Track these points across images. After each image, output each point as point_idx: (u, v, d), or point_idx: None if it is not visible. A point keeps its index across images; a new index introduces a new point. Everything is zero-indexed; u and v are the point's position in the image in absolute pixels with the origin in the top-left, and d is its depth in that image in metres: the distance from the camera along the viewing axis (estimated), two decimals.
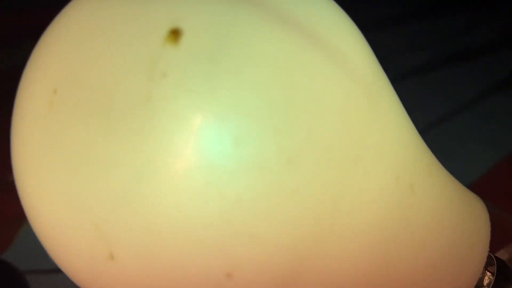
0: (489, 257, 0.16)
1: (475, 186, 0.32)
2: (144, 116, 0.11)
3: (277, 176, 0.11)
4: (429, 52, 0.45)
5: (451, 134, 0.37)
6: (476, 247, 0.16)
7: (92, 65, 0.11)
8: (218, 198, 0.11)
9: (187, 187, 0.11)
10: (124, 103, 0.11)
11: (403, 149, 0.13)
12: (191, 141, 0.10)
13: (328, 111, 0.11)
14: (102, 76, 0.11)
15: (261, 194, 0.11)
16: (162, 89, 0.11)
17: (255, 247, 0.11)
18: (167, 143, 0.11)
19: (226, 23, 0.11)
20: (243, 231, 0.11)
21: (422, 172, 0.14)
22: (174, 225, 0.11)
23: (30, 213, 0.13)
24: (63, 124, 0.11)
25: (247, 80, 0.11)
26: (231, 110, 0.11)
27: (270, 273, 0.12)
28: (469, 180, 0.33)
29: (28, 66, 0.13)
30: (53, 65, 0.12)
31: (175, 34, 0.11)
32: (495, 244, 0.16)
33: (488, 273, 0.17)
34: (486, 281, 0.17)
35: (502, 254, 0.18)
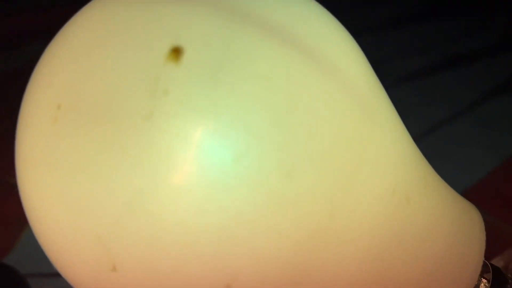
0: (484, 264, 0.17)
1: (473, 190, 0.32)
2: (146, 132, 0.11)
3: (276, 190, 0.11)
4: (428, 56, 0.45)
5: (449, 138, 0.37)
6: (471, 255, 0.16)
7: (95, 81, 0.11)
8: (218, 212, 0.11)
9: (188, 202, 0.11)
10: (127, 120, 0.11)
11: (400, 162, 0.14)
12: (191, 157, 0.11)
13: (326, 126, 0.12)
14: (105, 92, 0.11)
15: (260, 208, 0.11)
16: (163, 106, 0.11)
17: (254, 259, 0.12)
18: (168, 158, 0.11)
19: (226, 41, 0.11)
20: (242, 244, 0.11)
21: (418, 183, 0.14)
22: (175, 238, 0.11)
23: (33, 224, 0.13)
24: (66, 139, 0.11)
25: (247, 97, 0.11)
26: (231, 126, 0.11)
27: (269, 283, 0.12)
28: (467, 184, 0.33)
29: (32, 81, 0.13)
30: (57, 81, 0.12)
31: (176, 52, 0.11)
32: (490, 251, 0.17)
33: (484, 280, 0.17)
34: None
35: (498, 261, 0.18)
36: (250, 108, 0.11)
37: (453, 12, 0.52)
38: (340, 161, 0.12)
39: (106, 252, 0.12)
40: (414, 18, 0.52)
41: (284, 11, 0.13)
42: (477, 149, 0.36)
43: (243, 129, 0.11)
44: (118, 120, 0.11)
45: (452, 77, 0.43)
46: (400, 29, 0.50)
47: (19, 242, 0.30)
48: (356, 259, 0.13)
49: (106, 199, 0.11)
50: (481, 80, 0.42)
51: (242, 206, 0.11)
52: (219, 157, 0.11)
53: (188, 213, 0.11)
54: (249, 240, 0.11)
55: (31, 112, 0.13)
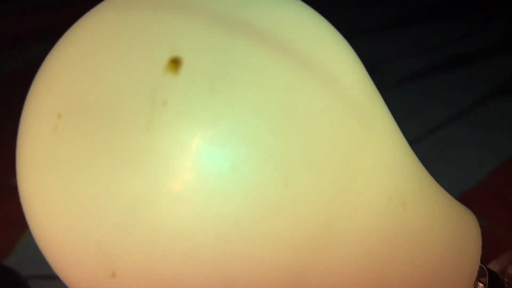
0: (481, 268, 0.17)
1: (473, 191, 0.33)
2: (145, 141, 0.11)
3: (273, 199, 0.11)
4: (427, 58, 0.46)
5: (449, 140, 0.37)
6: (467, 260, 0.16)
7: (95, 91, 0.12)
8: (216, 220, 0.11)
9: (186, 209, 0.11)
10: (126, 129, 0.11)
11: (396, 169, 0.14)
12: (190, 165, 0.11)
13: (323, 136, 0.12)
14: (105, 102, 0.11)
15: (258, 216, 0.11)
16: (162, 116, 0.11)
17: (253, 266, 0.12)
18: (167, 167, 0.11)
19: (224, 52, 0.11)
20: (240, 251, 0.11)
21: (414, 189, 0.15)
22: (173, 246, 0.11)
23: (33, 230, 0.13)
24: (66, 148, 0.12)
25: (245, 106, 0.11)
26: (229, 136, 0.11)
27: None
28: (467, 186, 0.33)
29: (32, 89, 0.13)
30: (58, 90, 0.12)
31: (175, 63, 0.11)
32: (486, 255, 0.17)
33: (481, 285, 0.17)
34: None
35: (494, 266, 0.19)
36: (247, 117, 0.11)
37: (453, 14, 0.52)
38: (337, 169, 0.12)
39: (106, 258, 0.12)
40: (414, 19, 0.52)
41: (281, 20, 0.13)
42: (477, 150, 0.36)
43: (241, 138, 0.11)
44: (118, 130, 0.11)
45: (451, 79, 0.43)
46: (399, 31, 0.50)
47: (20, 244, 0.30)
48: (353, 266, 0.13)
49: (106, 206, 0.11)
50: (481, 82, 0.42)
51: (240, 214, 0.11)
52: (217, 165, 0.11)
53: (186, 220, 0.11)
54: (247, 247, 0.11)
55: (31, 120, 0.13)
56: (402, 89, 0.42)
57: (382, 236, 0.13)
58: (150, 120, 0.11)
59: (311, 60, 0.12)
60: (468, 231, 0.16)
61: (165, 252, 0.11)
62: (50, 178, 0.12)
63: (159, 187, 0.11)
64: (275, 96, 0.11)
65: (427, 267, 0.15)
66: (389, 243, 0.14)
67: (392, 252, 0.14)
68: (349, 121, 0.12)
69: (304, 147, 0.12)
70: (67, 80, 0.12)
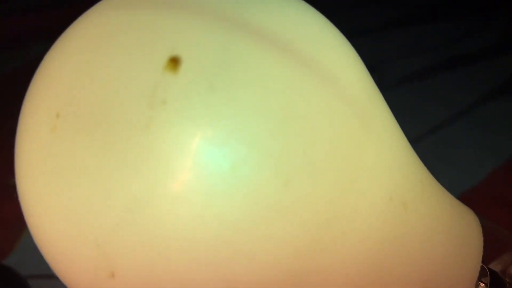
0: (482, 268, 0.17)
1: (473, 192, 0.33)
2: (144, 141, 0.11)
3: (273, 199, 0.11)
4: (427, 58, 0.45)
5: (449, 140, 0.37)
6: (469, 260, 0.16)
7: (93, 90, 0.12)
8: (216, 220, 0.11)
9: (186, 209, 0.11)
10: (125, 129, 0.11)
11: (396, 168, 0.14)
12: (189, 166, 0.11)
13: (323, 135, 0.12)
14: (103, 102, 0.11)
15: (258, 216, 0.11)
16: (161, 116, 0.11)
17: (252, 266, 0.12)
18: (166, 167, 0.11)
19: (224, 51, 0.11)
20: (240, 251, 0.11)
21: (415, 189, 0.14)
22: (173, 246, 0.11)
23: (32, 230, 0.13)
24: (65, 147, 0.12)
25: (244, 106, 0.11)
26: (229, 136, 0.11)
27: None
28: (466, 187, 0.33)
29: (31, 88, 0.13)
30: (56, 89, 0.12)
31: (174, 62, 0.11)
32: (488, 255, 0.17)
33: (482, 285, 0.17)
34: None
35: (495, 266, 0.18)
36: (247, 117, 0.11)
37: (453, 14, 0.52)
38: (337, 169, 0.12)
39: (105, 259, 0.12)
40: (414, 19, 0.52)
41: (282, 19, 0.13)
42: (477, 150, 0.36)
43: (241, 138, 0.11)
44: (117, 129, 0.11)
45: (451, 79, 0.43)
46: (399, 31, 0.50)
47: (20, 244, 0.30)
48: (354, 266, 0.13)
49: (105, 207, 0.11)
50: (481, 82, 0.42)
51: (239, 214, 0.11)
52: (216, 165, 0.11)
53: (186, 221, 0.11)
54: (246, 248, 0.11)
55: (30, 119, 0.13)
56: (402, 89, 0.42)
57: (383, 236, 0.13)
58: (149, 119, 0.11)
59: (311, 59, 0.12)
60: (470, 231, 0.16)
61: (164, 252, 0.11)
62: (48, 177, 0.12)
63: (159, 187, 0.11)
64: (275, 96, 0.11)
65: (428, 267, 0.15)
66: (390, 243, 0.14)
67: (393, 252, 0.14)
68: (349, 120, 0.12)
69: (304, 147, 0.12)
70: (65, 80, 0.12)
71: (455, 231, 0.16)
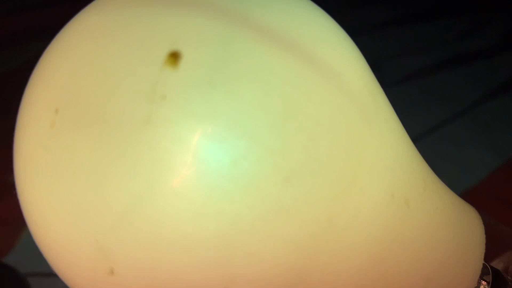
0: (484, 266, 0.17)
1: (473, 191, 0.32)
2: (144, 136, 0.11)
3: (274, 195, 0.11)
4: (429, 56, 0.45)
5: (450, 139, 0.37)
6: (471, 258, 0.16)
7: (92, 85, 0.11)
8: (216, 217, 0.11)
9: (185, 206, 0.11)
10: (124, 124, 0.11)
11: (399, 165, 0.14)
12: (189, 162, 0.11)
13: (324, 131, 0.12)
14: (102, 97, 0.11)
15: (258, 213, 0.11)
16: (161, 111, 0.11)
17: (253, 264, 0.12)
18: (166, 163, 0.11)
19: (224, 46, 0.11)
20: (240, 248, 0.11)
21: (418, 186, 0.14)
22: (172, 243, 0.11)
23: (31, 227, 0.13)
24: (64, 143, 0.11)
25: (244, 101, 0.11)
26: (229, 131, 0.11)
27: None
28: (467, 185, 0.33)
29: (30, 84, 0.13)
30: (55, 85, 0.12)
31: (174, 57, 0.11)
32: (490, 253, 0.17)
33: (484, 283, 0.17)
34: None
35: (497, 264, 0.18)
36: (247, 112, 0.11)
37: (454, 12, 0.52)
38: (338, 165, 0.12)
39: (104, 256, 0.12)
40: (415, 18, 0.52)
41: (282, 14, 0.13)
42: (478, 149, 0.36)
43: (241, 133, 0.11)
44: (116, 125, 0.11)
45: (452, 77, 0.43)
46: (400, 29, 0.50)
47: (19, 242, 0.30)
48: (356, 263, 0.13)
49: (104, 203, 0.11)
50: (482, 80, 0.42)
51: (239, 211, 0.11)
52: (216, 161, 0.11)
53: (185, 217, 0.11)
54: (246, 245, 0.11)
55: (29, 115, 0.13)
56: (404, 87, 0.42)
57: (385, 233, 0.13)
58: (149, 114, 0.11)
59: (313, 54, 0.12)
60: (472, 228, 0.16)
61: (164, 249, 0.11)
62: (47, 174, 0.12)
63: (158, 183, 0.11)
64: (276, 90, 0.11)
65: (431, 264, 0.15)
66: (392, 241, 0.13)
67: (395, 249, 0.14)
68: (351, 116, 0.12)
69: (305, 142, 0.11)
70: (64, 75, 0.12)
71: (457, 228, 0.16)
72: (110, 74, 0.11)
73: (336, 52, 0.13)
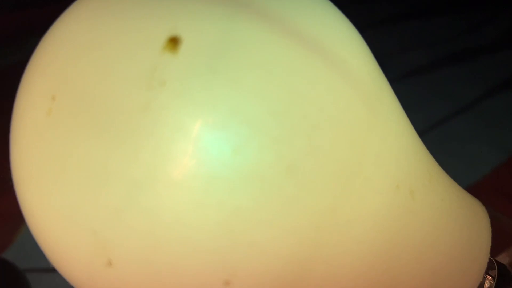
0: (490, 261, 0.16)
1: (477, 187, 0.32)
2: (143, 124, 0.11)
3: (276, 185, 0.11)
4: (431, 52, 0.45)
5: (453, 134, 0.37)
6: (476, 252, 0.16)
7: (90, 72, 0.11)
8: (216, 207, 0.11)
9: (186, 196, 0.11)
10: (123, 111, 0.11)
11: (404, 156, 0.13)
12: (189, 150, 0.10)
13: (328, 119, 0.11)
14: (100, 84, 0.11)
15: (260, 203, 0.11)
16: (160, 98, 0.10)
17: (254, 255, 0.11)
18: (165, 152, 0.10)
19: (225, 31, 0.11)
20: (241, 239, 0.11)
21: (423, 178, 0.14)
22: (172, 233, 0.11)
23: (29, 219, 0.13)
24: (61, 132, 0.11)
25: (246, 88, 0.11)
26: (230, 119, 0.10)
27: (269, 280, 0.12)
28: (471, 181, 0.33)
29: (26, 72, 0.13)
30: (52, 72, 0.12)
31: (173, 42, 0.11)
32: (496, 248, 0.16)
33: (489, 277, 0.17)
34: (486, 285, 0.16)
35: (503, 258, 0.18)
36: (249, 99, 0.11)
37: (457, 8, 0.51)
38: (342, 154, 0.12)
39: (102, 247, 0.11)
40: (418, 13, 0.51)
41: (286, 1, 0.12)
42: (481, 145, 0.35)
43: (242, 121, 0.11)
44: (114, 112, 0.11)
45: (456, 73, 0.43)
46: (403, 25, 0.49)
47: (18, 237, 0.29)
48: (360, 255, 0.13)
49: (102, 192, 0.11)
50: (485, 76, 0.42)
51: (241, 200, 0.11)
52: (217, 149, 0.11)
53: (186, 207, 0.11)
54: (248, 235, 0.11)
55: (25, 103, 0.12)
56: (407, 83, 0.41)
57: (389, 225, 0.13)
58: (148, 101, 0.10)
59: (317, 41, 0.12)
60: (478, 222, 0.16)
61: (163, 240, 0.11)
62: (43, 162, 0.12)
63: (157, 172, 0.11)
64: (278, 77, 0.11)
65: (436, 257, 0.15)
66: (396, 232, 0.13)
67: (400, 241, 0.13)
68: (356, 105, 0.12)
69: (308, 130, 0.11)
70: (61, 62, 0.12)
71: (463, 221, 0.16)
72: (107, 59, 0.11)
73: (341, 39, 0.13)
